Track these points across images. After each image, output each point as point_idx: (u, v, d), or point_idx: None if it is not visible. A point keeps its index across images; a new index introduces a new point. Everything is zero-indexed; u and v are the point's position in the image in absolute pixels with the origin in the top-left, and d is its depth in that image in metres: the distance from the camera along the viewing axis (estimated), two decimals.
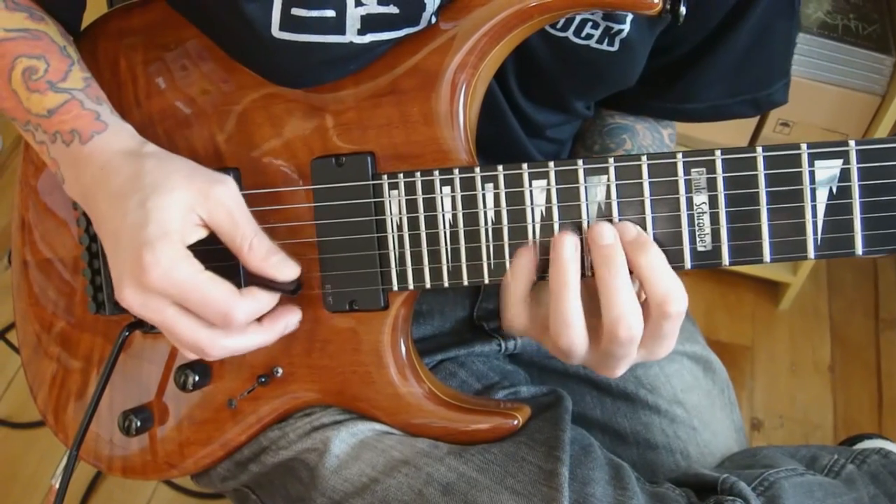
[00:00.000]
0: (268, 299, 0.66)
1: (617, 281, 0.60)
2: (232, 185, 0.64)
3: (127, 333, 0.73)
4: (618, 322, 0.59)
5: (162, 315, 0.62)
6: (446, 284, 0.67)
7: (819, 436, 1.65)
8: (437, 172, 0.65)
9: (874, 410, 1.70)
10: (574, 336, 0.61)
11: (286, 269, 0.65)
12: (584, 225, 0.63)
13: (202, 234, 0.63)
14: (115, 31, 0.76)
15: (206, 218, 0.63)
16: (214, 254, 0.64)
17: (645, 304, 0.61)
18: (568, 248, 0.61)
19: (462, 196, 0.65)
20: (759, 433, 1.66)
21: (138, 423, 0.75)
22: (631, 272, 0.60)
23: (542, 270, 0.64)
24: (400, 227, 0.67)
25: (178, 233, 0.61)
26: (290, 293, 0.67)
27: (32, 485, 1.54)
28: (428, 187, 0.66)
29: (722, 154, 0.60)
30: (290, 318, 0.69)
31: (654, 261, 0.60)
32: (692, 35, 0.78)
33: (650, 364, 0.89)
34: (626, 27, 0.72)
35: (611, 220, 0.62)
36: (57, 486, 0.77)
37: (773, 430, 1.67)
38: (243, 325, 0.64)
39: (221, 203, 0.63)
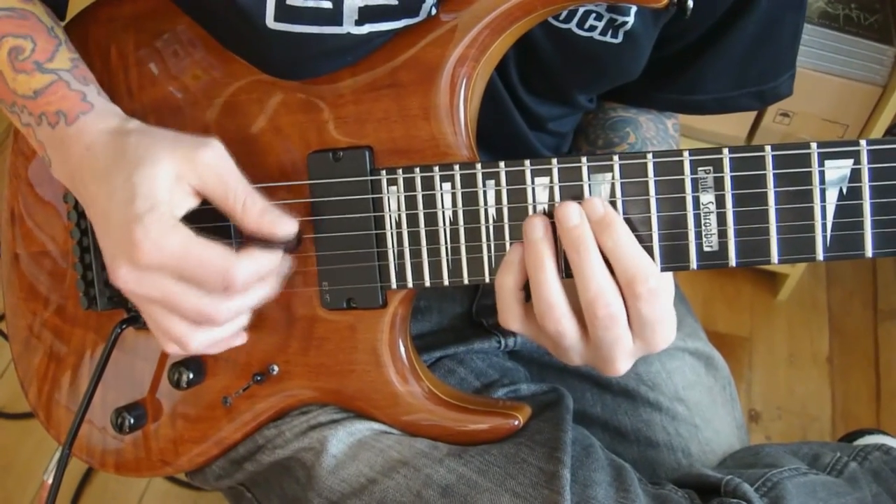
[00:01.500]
0: (267, 258, 0.63)
1: (588, 262, 0.59)
2: (218, 147, 0.62)
3: (120, 330, 0.72)
4: (594, 302, 0.59)
5: (161, 289, 0.60)
6: (446, 283, 0.66)
7: (817, 427, 1.65)
8: (436, 168, 0.64)
9: (872, 402, 1.70)
10: (559, 317, 0.61)
11: (283, 225, 0.63)
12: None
13: (194, 202, 0.62)
14: (105, 19, 0.75)
15: (196, 184, 0.61)
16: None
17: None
18: (537, 229, 0.61)
19: (462, 193, 0.64)
20: (756, 425, 1.66)
21: (131, 421, 0.74)
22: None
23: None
24: (399, 224, 0.66)
25: (167, 203, 0.59)
26: (292, 249, 0.65)
27: (27, 475, 1.54)
28: (427, 183, 0.64)
29: (729, 153, 0.58)
30: (283, 267, 0.66)
31: (619, 240, 0.59)
32: (698, 25, 0.77)
33: (651, 360, 0.88)
34: (631, 20, 0.70)
35: (580, 200, 0.61)
36: (49, 481, 0.76)
37: (771, 421, 1.67)
38: (244, 285, 0.62)
39: (209, 166, 0.61)
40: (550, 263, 0.60)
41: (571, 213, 0.60)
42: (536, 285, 0.61)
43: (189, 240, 0.59)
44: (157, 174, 0.59)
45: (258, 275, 0.63)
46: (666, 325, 0.61)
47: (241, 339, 0.68)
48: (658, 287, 0.59)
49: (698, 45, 0.79)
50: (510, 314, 0.64)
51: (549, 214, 0.62)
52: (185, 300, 0.61)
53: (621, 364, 0.63)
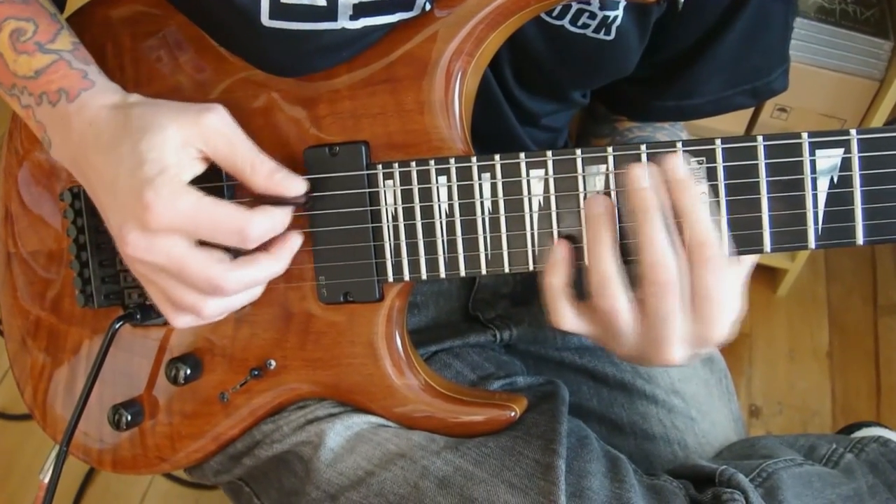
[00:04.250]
0: (280, 215, 0.63)
1: (651, 224, 0.58)
2: (222, 112, 0.63)
3: (117, 326, 0.72)
4: (654, 266, 0.58)
5: (170, 254, 0.60)
6: (443, 275, 0.66)
7: (817, 422, 1.65)
8: (432, 162, 0.64)
9: (872, 397, 1.70)
10: (614, 293, 0.59)
11: (293, 184, 0.64)
12: (583, 215, 0.62)
13: (201, 167, 0.62)
14: (102, 19, 0.75)
15: (203, 147, 0.61)
16: None
17: (684, 255, 0.59)
18: (598, 204, 0.60)
19: (458, 186, 0.64)
20: (757, 420, 1.66)
21: (128, 418, 0.74)
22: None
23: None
24: (395, 218, 0.66)
25: (176, 167, 0.60)
26: (302, 205, 0.66)
27: (29, 476, 1.54)
28: (423, 177, 0.65)
29: (722, 143, 0.59)
30: (294, 241, 0.66)
31: (696, 202, 0.58)
32: (692, 28, 0.77)
33: None
34: (620, 13, 0.71)
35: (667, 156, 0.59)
36: (45, 481, 0.76)
37: (772, 416, 1.67)
38: (258, 241, 0.62)
39: (215, 130, 0.62)
40: (609, 237, 0.60)
41: (640, 175, 0.59)
42: (594, 259, 0.60)
43: (201, 199, 0.60)
44: (163, 140, 0.60)
45: (273, 230, 0.63)
46: (725, 308, 0.60)
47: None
48: (724, 260, 0.58)
49: (693, 48, 0.79)
50: (561, 313, 0.63)
51: (545, 208, 0.62)
52: (193, 265, 0.61)
53: (674, 348, 0.61)
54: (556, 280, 0.62)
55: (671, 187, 0.59)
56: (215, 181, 0.67)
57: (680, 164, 0.59)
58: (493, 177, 0.63)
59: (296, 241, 0.66)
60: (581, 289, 0.63)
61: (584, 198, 0.62)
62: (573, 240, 0.63)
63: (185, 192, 0.59)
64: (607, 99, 0.90)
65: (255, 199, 0.64)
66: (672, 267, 0.58)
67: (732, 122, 1.66)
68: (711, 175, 0.59)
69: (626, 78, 0.80)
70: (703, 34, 0.77)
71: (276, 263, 0.65)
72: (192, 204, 0.59)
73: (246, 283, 0.64)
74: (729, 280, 0.59)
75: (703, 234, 0.58)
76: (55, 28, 0.67)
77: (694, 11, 0.74)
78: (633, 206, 0.59)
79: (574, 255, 0.62)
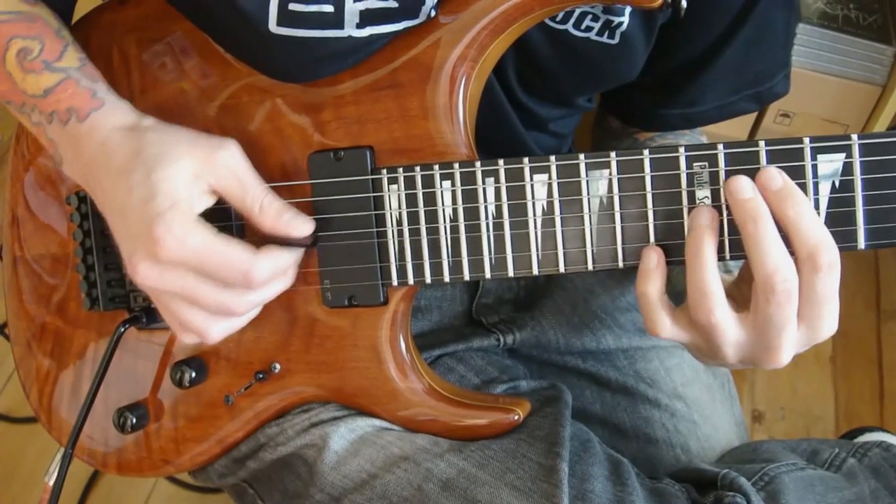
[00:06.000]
0: (286, 257, 0.65)
1: (765, 233, 0.57)
2: (235, 149, 0.63)
3: (123, 329, 0.73)
4: (773, 276, 0.56)
5: (183, 283, 0.61)
6: (447, 279, 0.66)
7: (820, 427, 1.65)
8: (436, 167, 0.65)
9: (875, 402, 1.70)
10: (713, 307, 0.58)
11: (300, 226, 0.65)
12: (586, 219, 0.62)
13: (211, 201, 0.63)
14: (107, 25, 0.75)
15: (214, 184, 0.62)
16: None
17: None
18: (703, 216, 0.59)
19: (462, 190, 0.65)
20: (760, 425, 1.66)
21: (133, 420, 0.75)
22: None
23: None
24: (399, 222, 0.66)
25: (187, 201, 0.60)
26: (309, 246, 0.66)
27: (32, 479, 1.54)
28: (428, 182, 0.65)
29: (724, 148, 0.59)
30: (298, 255, 0.67)
31: (803, 209, 0.57)
32: (699, 39, 0.77)
33: (650, 358, 0.89)
34: (626, 20, 0.71)
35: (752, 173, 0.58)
36: (50, 483, 0.77)
37: (775, 422, 1.67)
38: (263, 283, 0.63)
39: (227, 167, 0.62)
40: (711, 251, 0.59)
41: (744, 186, 0.58)
42: (693, 272, 0.59)
43: (210, 237, 0.60)
44: (176, 173, 0.60)
45: (277, 272, 0.64)
46: (834, 310, 0.59)
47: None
48: (837, 262, 0.57)
49: (699, 58, 0.79)
50: (658, 322, 0.62)
51: (549, 213, 0.62)
52: (206, 294, 0.62)
53: (786, 352, 0.60)
54: (651, 289, 0.61)
55: (770, 199, 0.58)
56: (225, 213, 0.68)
57: (775, 175, 0.58)
58: (497, 181, 0.64)
59: (299, 254, 0.67)
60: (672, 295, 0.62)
61: (588, 201, 0.62)
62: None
63: (195, 228, 0.60)
64: (617, 111, 0.91)
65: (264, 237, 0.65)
66: (790, 276, 0.56)
67: (736, 128, 1.66)
68: (714, 180, 0.60)
69: (633, 87, 0.80)
70: (708, 44, 0.78)
71: (283, 281, 0.66)
72: (202, 241, 0.60)
73: (257, 304, 0.66)
74: (838, 281, 0.58)
75: (813, 240, 0.56)
76: (61, 45, 0.67)
77: (700, 22, 0.74)
78: (741, 218, 0.58)
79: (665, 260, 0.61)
